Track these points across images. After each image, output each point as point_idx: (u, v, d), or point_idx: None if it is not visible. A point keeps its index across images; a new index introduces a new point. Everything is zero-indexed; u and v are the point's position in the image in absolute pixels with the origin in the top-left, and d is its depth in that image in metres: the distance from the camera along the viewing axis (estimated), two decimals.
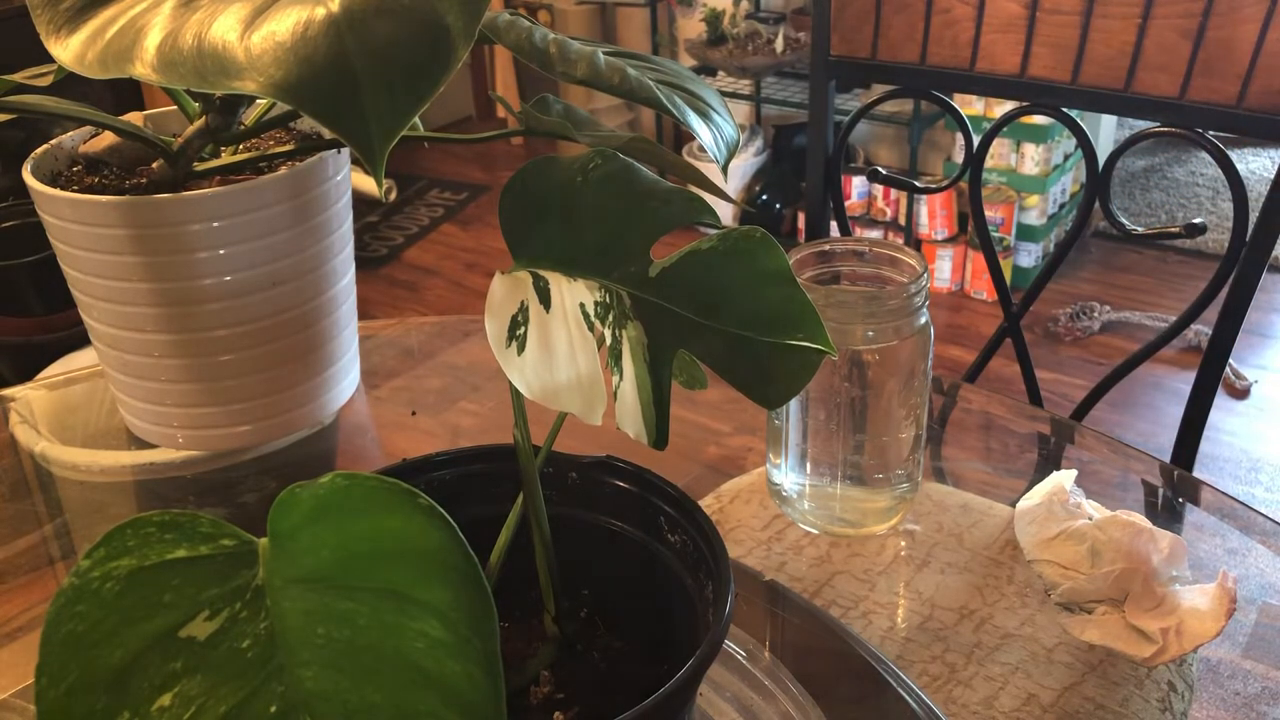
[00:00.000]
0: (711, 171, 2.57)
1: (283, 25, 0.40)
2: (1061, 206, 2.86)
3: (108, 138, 0.70)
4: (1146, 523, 0.66)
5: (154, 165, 0.68)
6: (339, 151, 0.70)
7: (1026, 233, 2.76)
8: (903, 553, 0.72)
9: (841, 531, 0.72)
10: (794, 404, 0.69)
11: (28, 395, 0.93)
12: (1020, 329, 1.08)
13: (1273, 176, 0.91)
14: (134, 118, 0.74)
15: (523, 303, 0.41)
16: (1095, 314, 2.63)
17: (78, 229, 0.65)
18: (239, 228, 0.65)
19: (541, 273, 0.43)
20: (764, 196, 3.09)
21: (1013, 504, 0.73)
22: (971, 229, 2.77)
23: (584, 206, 0.45)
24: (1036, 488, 0.71)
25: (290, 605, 0.34)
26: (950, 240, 2.82)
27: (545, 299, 0.42)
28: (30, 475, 0.84)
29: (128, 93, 2.51)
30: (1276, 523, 0.73)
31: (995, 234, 2.74)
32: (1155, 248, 2.95)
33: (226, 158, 0.69)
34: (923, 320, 0.66)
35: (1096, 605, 0.64)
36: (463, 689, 0.33)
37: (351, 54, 0.39)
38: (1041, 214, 2.75)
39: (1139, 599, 0.63)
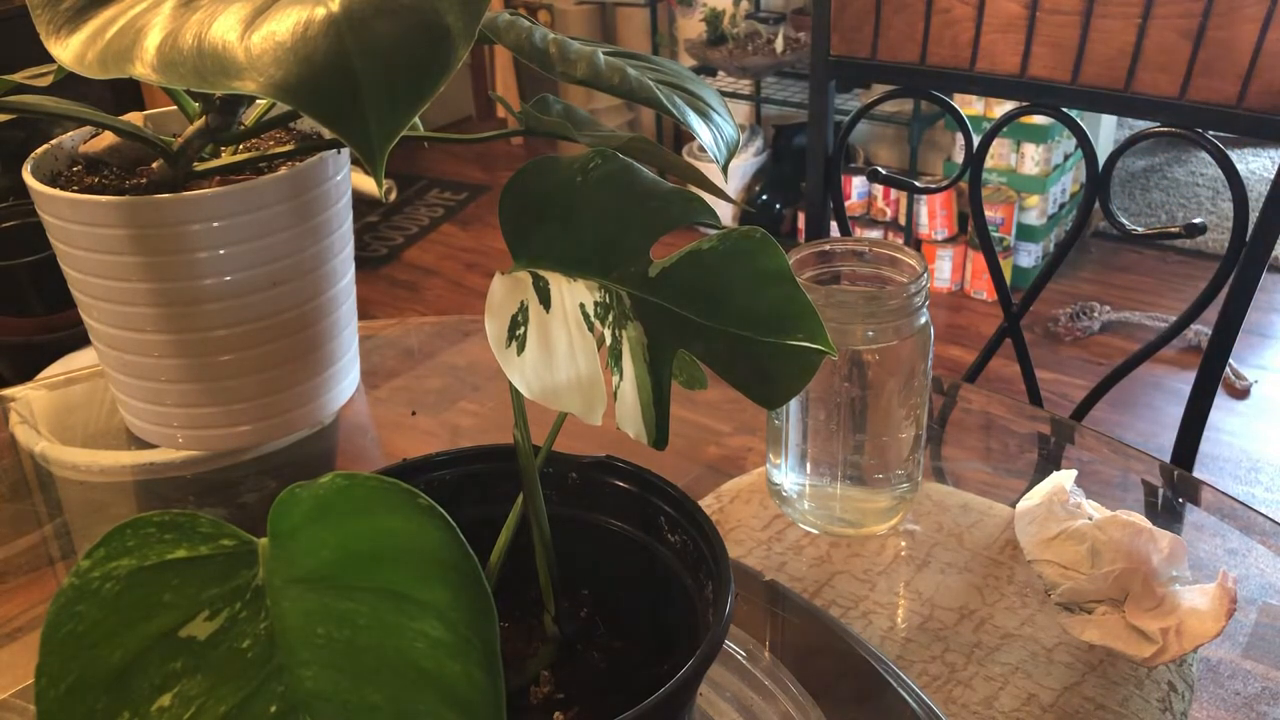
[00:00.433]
0: (711, 171, 2.57)
1: (283, 25, 0.40)
2: (1061, 206, 2.86)
3: (108, 138, 0.70)
4: (1146, 523, 0.66)
5: (154, 165, 0.68)
6: (339, 151, 0.70)
7: (1026, 233, 2.76)
8: (903, 553, 0.72)
9: (841, 531, 0.72)
10: (794, 404, 0.69)
11: (28, 395, 0.93)
12: (1020, 329, 1.08)
13: (1273, 176, 0.91)
14: (134, 118, 0.74)
15: (523, 303, 0.41)
16: (1095, 314, 2.63)
17: (78, 229, 0.65)
18: (239, 228, 0.65)
19: (541, 273, 0.43)
20: (764, 196, 3.09)
21: (1013, 504, 0.73)
22: (971, 229, 2.77)
23: (584, 206, 0.45)
24: (1036, 488, 0.71)
25: (290, 605, 0.34)
26: (950, 240, 2.82)
27: (545, 299, 0.42)
28: (30, 475, 0.84)
29: (128, 93, 2.51)
30: (1276, 523, 0.73)
31: (995, 234, 2.74)
32: (1155, 248, 2.95)
33: (226, 158, 0.69)
34: (923, 320, 0.66)
35: (1096, 605, 0.64)
36: (463, 689, 0.33)
37: (352, 54, 0.39)
38: (1041, 214, 2.75)
39: (1139, 599, 0.63)
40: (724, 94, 2.35)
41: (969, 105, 2.69)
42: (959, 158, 2.91)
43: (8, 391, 0.92)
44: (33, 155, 0.70)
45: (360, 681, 0.33)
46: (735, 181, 3.12)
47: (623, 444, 0.46)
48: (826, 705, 0.57)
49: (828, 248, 0.70)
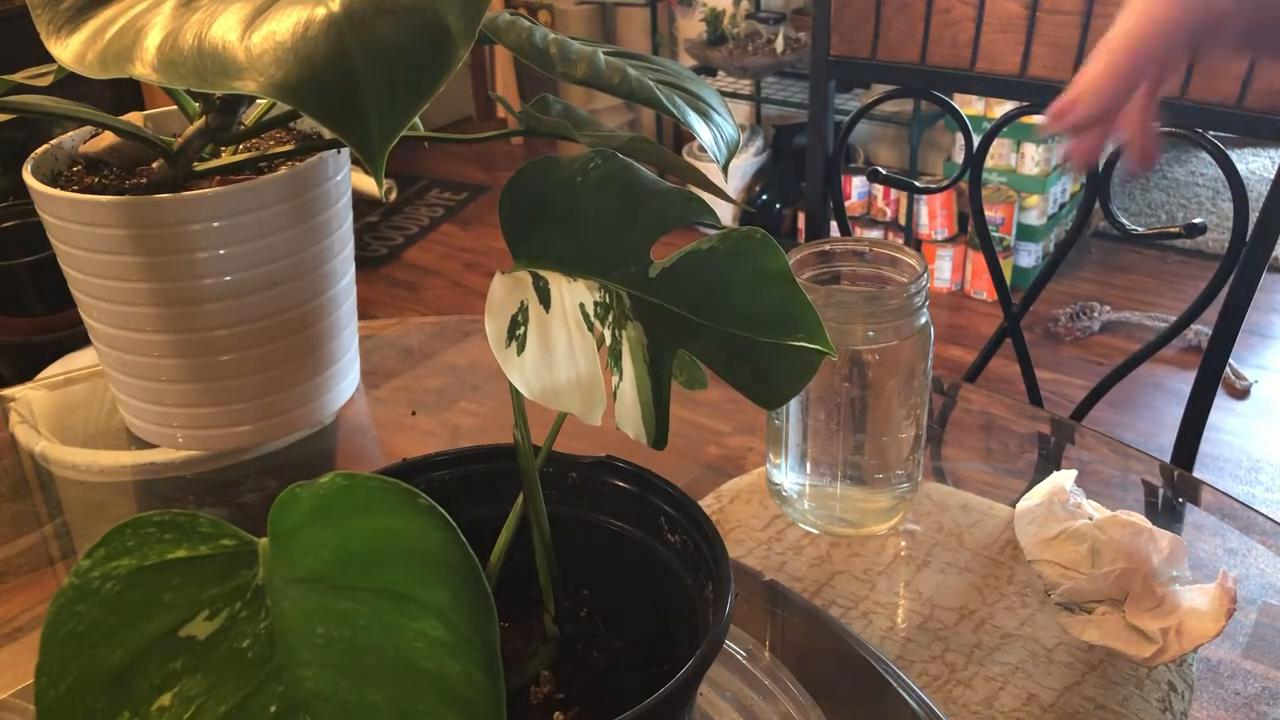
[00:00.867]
0: (711, 171, 2.57)
1: (283, 25, 0.40)
2: (1061, 206, 2.86)
3: (108, 138, 0.70)
4: (1146, 523, 0.66)
5: (154, 165, 0.68)
6: (339, 151, 0.70)
7: (1026, 233, 2.76)
8: (903, 553, 0.72)
9: (841, 531, 0.72)
10: (794, 404, 0.69)
11: (28, 395, 0.93)
12: (1020, 329, 1.08)
13: (1273, 176, 0.91)
14: (134, 118, 0.74)
15: (522, 303, 0.41)
16: (1095, 314, 2.63)
17: (78, 229, 0.65)
18: (239, 228, 0.65)
19: (541, 273, 0.43)
20: (764, 196, 3.09)
21: (1013, 504, 0.73)
22: (971, 229, 2.77)
23: (584, 206, 0.45)
24: (1036, 488, 0.71)
25: (290, 605, 0.34)
26: (950, 240, 2.82)
27: (545, 299, 0.42)
28: (30, 475, 0.84)
29: (128, 93, 2.51)
30: (1276, 523, 0.73)
31: (995, 234, 2.74)
32: (1155, 248, 2.95)
33: (226, 158, 0.69)
34: (923, 320, 0.66)
35: (1096, 605, 0.64)
36: (463, 689, 0.33)
37: (352, 54, 0.39)
38: (1041, 214, 2.75)
39: (1139, 599, 0.63)
40: (724, 94, 2.35)
41: (969, 105, 2.69)
42: (959, 158, 2.91)
43: (8, 391, 0.92)
44: (33, 155, 0.70)
45: (360, 681, 0.33)
46: (735, 181, 3.12)
47: (623, 444, 0.46)
48: (826, 705, 0.57)
49: (828, 248, 0.70)
